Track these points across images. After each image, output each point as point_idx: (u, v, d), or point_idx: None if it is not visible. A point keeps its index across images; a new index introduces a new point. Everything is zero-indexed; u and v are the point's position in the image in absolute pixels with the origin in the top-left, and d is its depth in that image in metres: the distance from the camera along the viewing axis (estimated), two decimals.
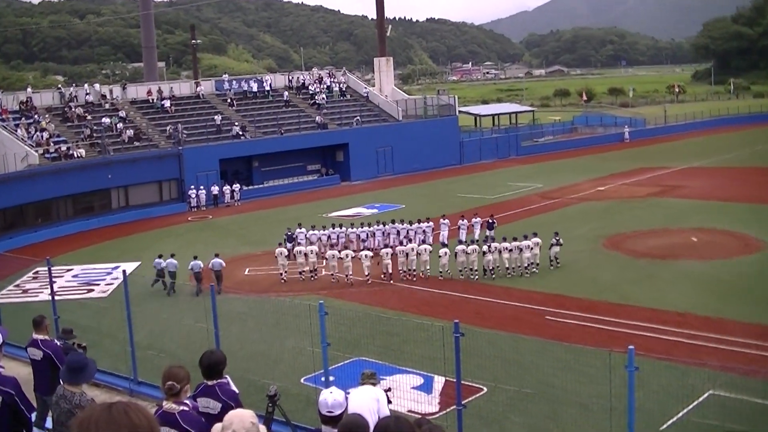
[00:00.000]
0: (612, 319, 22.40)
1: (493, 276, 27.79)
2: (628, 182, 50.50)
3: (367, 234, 31.81)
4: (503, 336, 19.96)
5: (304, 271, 29.01)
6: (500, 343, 19.41)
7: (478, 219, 33.02)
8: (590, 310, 23.39)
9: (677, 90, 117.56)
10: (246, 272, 30.58)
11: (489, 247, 28.06)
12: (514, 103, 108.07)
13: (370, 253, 28.58)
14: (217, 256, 28.25)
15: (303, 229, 32.52)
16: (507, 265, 27.87)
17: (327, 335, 13.42)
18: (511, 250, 27.87)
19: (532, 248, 27.85)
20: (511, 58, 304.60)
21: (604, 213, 39.96)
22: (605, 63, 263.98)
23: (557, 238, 29.01)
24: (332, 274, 28.40)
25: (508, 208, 42.60)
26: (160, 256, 28.77)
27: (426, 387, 17.73)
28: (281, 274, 29.09)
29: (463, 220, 32.80)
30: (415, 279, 28.05)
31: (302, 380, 18.25)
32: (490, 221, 32.52)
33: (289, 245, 30.34)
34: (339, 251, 29.19)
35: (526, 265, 27.88)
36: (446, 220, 32.89)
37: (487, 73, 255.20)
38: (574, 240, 33.47)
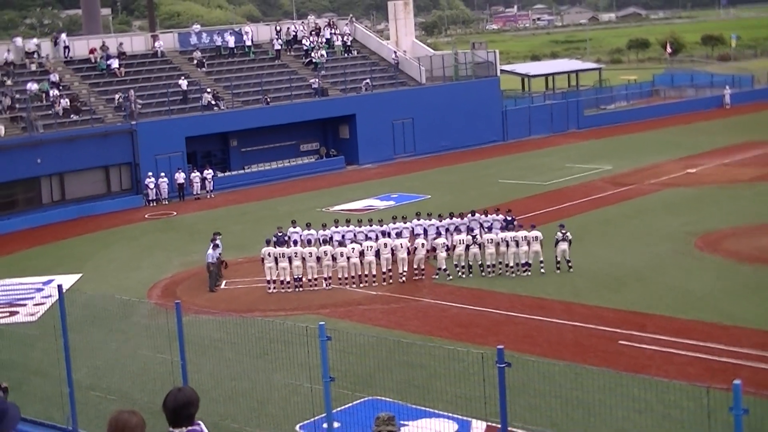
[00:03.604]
0: (709, 345, 22.26)
1: (482, 273, 29.72)
2: (729, 162, 50.26)
3: (377, 235, 31.66)
4: (562, 367, 19.88)
5: (285, 282, 29.59)
6: (558, 376, 19.34)
7: (496, 217, 32.59)
8: (679, 333, 23.29)
9: None
10: (222, 285, 30.71)
11: (474, 238, 29.87)
12: (575, 58, 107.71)
13: (359, 247, 29.87)
14: (215, 243, 30.52)
15: (297, 229, 32.63)
16: (490, 262, 29.80)
17: (330, 367, 13.41)
18: (499, 243, 29.69)
19: (530, 243, 29.32)
20: None
21: (695, 203, 39.81)
22: (698, 2, 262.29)
23: (563, 231, 29.73)
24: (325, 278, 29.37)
25: (567, 197, 42.50)
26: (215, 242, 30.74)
27: None
28: (269, 282, 29.49)
29: (478, 216, 32.71)
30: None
31: (298, 427, 18.27)
32: (508, 219, 32.31)
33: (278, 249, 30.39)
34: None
35: (522, 261, 29.55)
36: (469, 217, 32.99)
37: (539, 19, 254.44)
38: (655, 239, 33.34)
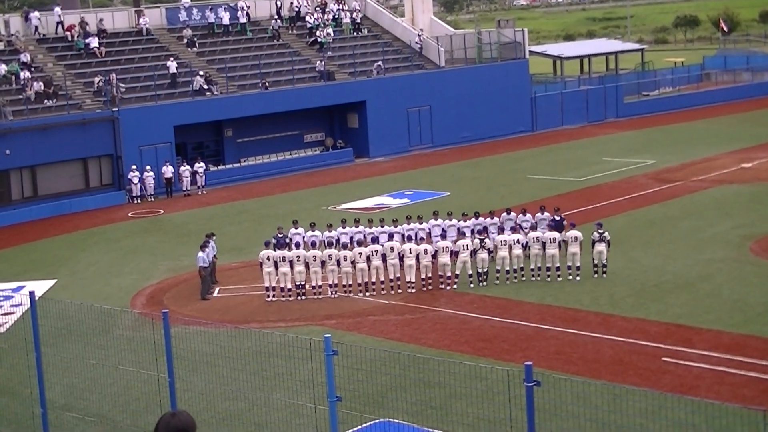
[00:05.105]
0: (766, 363, 22.27)
1: (496, 281, 29.77)
2: None
3: (390, 237, 31.69)
4: (598, 387, 19.85)
5: (286, 289, 29.60)
6: (594, 397, 19.31)
7: (541, 216, 32.37)
8: (732, 350, 23.22)
9: None
10: (216, 293, 30.79)
11: (482, 241, 29.73)
12: (614, 38, 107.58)
13: (366, 250, 29.70)
14: (204, 248, 30.33)
15: (300, 230, 32.64)
16: (506, 267, 29.81)
17: (337, 386, 13.44)
18: (511, 246, 29.70)
19: (568, 244, 29.43)
20: None
21: (751, 202, 39.72)
22: None
23: (600, 231, 29.64)
24: (333, 286, 29.46)
25: (604, 196, 42.46)
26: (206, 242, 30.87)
27: None
28: (268, 289, 29.56)
29: (513, 215, 32.67)
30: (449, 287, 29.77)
31: None
32: (557, 219, 32.08)
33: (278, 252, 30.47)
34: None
35: (548, 265, 29.74)
36: (504, 216, 32.84)
37: None
38: (705, 243, 33.25)
